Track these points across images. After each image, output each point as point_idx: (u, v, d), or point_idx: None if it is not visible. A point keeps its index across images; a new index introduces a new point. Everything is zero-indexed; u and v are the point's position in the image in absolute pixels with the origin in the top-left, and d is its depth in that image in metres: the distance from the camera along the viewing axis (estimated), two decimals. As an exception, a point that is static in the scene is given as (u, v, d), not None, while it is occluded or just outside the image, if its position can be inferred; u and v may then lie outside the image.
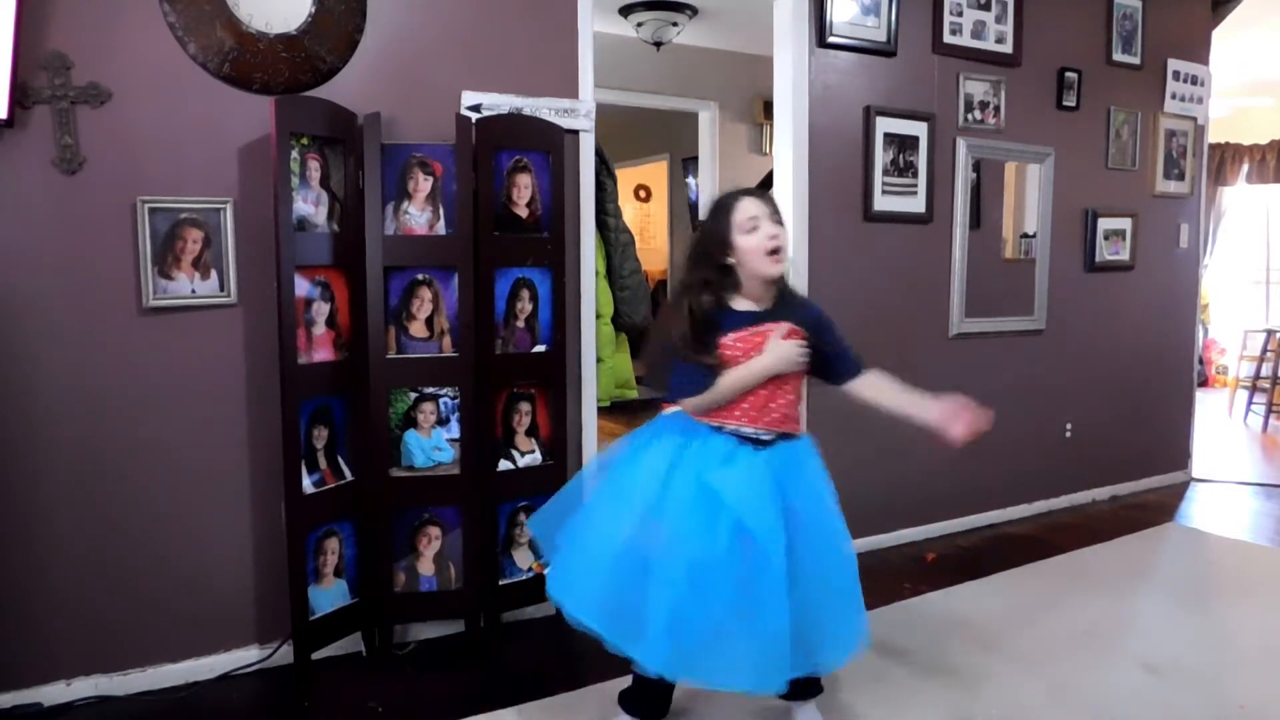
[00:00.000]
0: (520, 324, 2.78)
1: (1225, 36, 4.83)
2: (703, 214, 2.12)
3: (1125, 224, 4.36)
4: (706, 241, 2.00)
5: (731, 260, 1.97)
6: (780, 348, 1.95)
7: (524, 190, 2.74)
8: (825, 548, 1.98)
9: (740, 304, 2.00)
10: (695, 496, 1.89)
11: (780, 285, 2.02)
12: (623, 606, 1.88)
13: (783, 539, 1.86)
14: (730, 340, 1.96)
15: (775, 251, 1.94)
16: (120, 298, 2.38)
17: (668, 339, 2.01)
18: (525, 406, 2.82)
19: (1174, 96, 4.48)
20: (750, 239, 1.94)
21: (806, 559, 1.90)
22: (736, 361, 1.95)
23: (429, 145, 2.62)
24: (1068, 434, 4.25)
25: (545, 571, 2.14)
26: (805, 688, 2.13)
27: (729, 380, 1.95)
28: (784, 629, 1.83)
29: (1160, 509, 4.25)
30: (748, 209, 1.95)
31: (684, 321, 1.97)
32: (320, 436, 2.58)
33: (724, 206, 1.99)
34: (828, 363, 2.04)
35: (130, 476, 2.42)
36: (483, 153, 2.63)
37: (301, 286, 2.47)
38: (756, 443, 1.97)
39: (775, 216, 1.97)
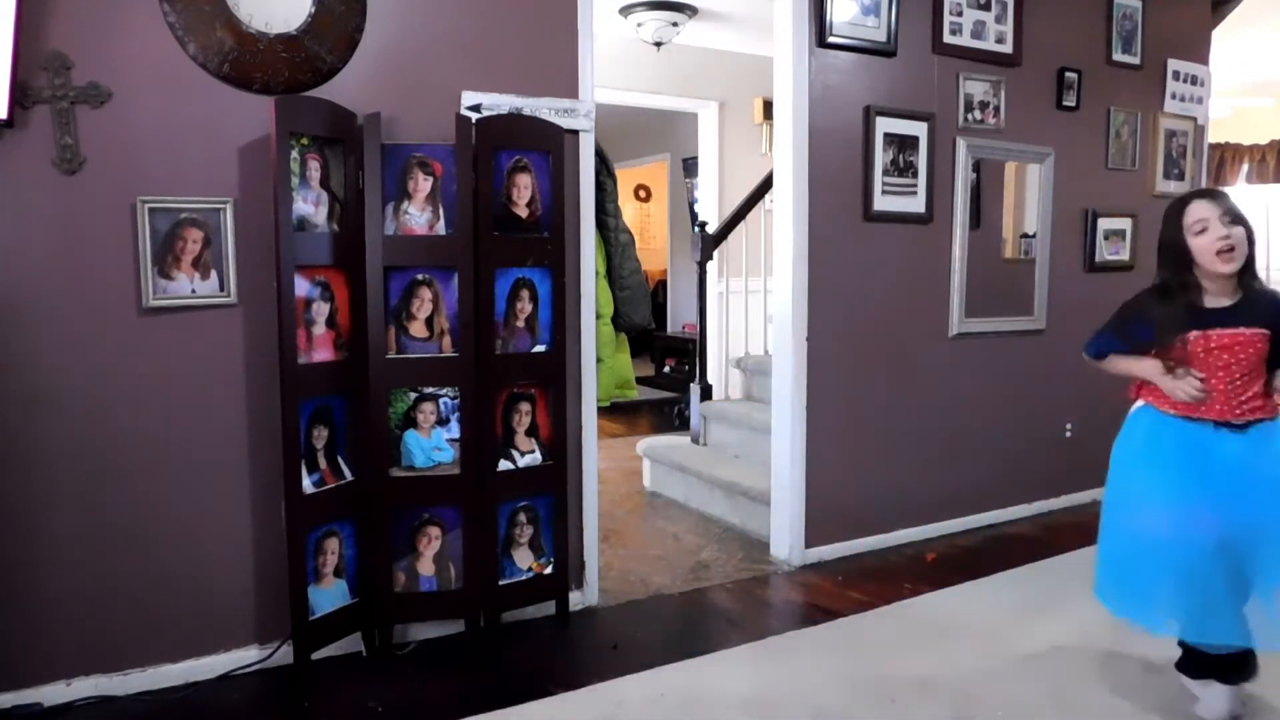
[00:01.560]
0: (520, 324, 2.78)
1: (1225, 36, 4.83)
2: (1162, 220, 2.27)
3: (1125, 224, 4.36)
4: (1166, 248, 2.19)
5: (1191, 261, 2.13)
6: (1181, 386, 2.13)
7: (524, 190, 2.74)
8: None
9: (1208, 301, 2.14)
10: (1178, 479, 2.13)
11: (1245, 279, 2.13)
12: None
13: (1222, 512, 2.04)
14: (1195, 337, 2.11)
15: (1227, 251, 2.07)
16: (120, 298, 2.38)
17: (1140, 306, 2.26)
18: (525, 406, 2.82)
19: (1174, 96, 4.48)
20: (1200, 240, 2.09)
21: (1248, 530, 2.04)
22: (1195, 358, 2.12)
23: (429, 145, 2.62)
24: (1068, 434, 4.25)
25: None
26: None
27: (1123, 364, 2.29)
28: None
29: (1160, 509, 4.25)
30: (1195, 212, 2.11)
31: (1164, 308, 2.18)
32: (320, 436, 2.58)
33: (1175, 212, 2.17)
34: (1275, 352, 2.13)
35: (130, 476, 2.42)
36: (483, 153, 2.63)
37: (301, 286, 2.47)
38: (1230, 427, 2.12)
39: (1226, 217, 2.09)
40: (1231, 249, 2.07)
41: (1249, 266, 2.13)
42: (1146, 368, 2.22)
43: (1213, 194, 2.16)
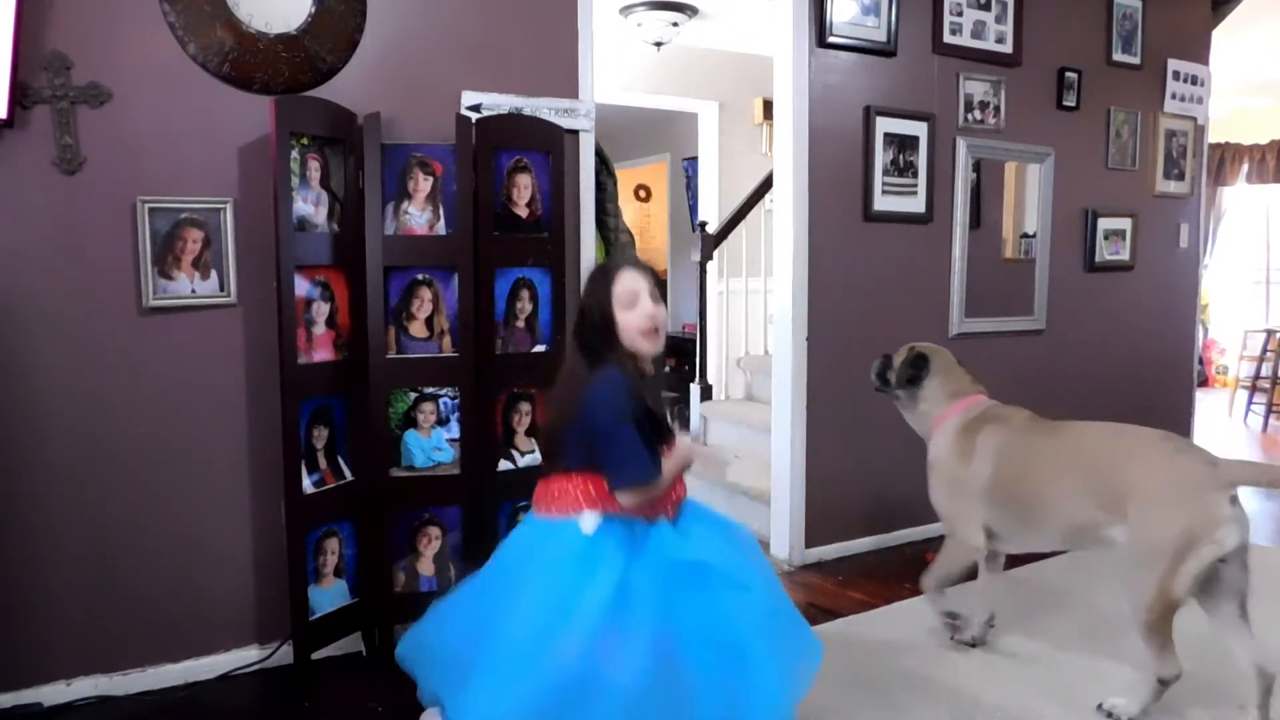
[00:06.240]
0: (520, 324, 2.78)
1: (1225, 36, 4.83)
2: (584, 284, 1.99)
3: (1125, 224, 4.36)
4: (592, 316, 1.84)
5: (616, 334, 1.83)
6: (687, 448, 1.86)
7: (524, 190, 2.73)
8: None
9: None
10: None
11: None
12: None
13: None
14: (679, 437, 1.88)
15: (652, 330, 1.83)
16: (120, 298, 2.38)
17: (621, 411, 1.77)
18: (525, 406, 2.82)
19: (1174, 96, 4.48)
20: (629, 315, 1.82)
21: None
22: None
23: (429, 145, 2.62)
24: (1068, 434, 4.25)
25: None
26: None
27: (669, 470, 1.84)
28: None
29: (1160, 509, 4.24)
30: (626, 282, 1.83)
31: (637, 396, 1.82)
32: (320, 436, 2.58)
33: (602, 279, 1.86)
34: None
35: (130, 477, 2.42)
36: (483, 153, 2.63)
37: (301, 286, 2.47)
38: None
39: (656, 293, 1.85)
40: (656, 330, 1.83)
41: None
42: (683, 460, 1.88)
43: (641, 265, 1.89)
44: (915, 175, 3.64)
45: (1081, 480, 2.35)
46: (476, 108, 2.74)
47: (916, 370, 2.72)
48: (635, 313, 1.81)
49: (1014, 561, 3.43)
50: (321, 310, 2.55)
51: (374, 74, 2.62)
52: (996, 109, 3.84)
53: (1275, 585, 3.23)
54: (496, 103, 2.78)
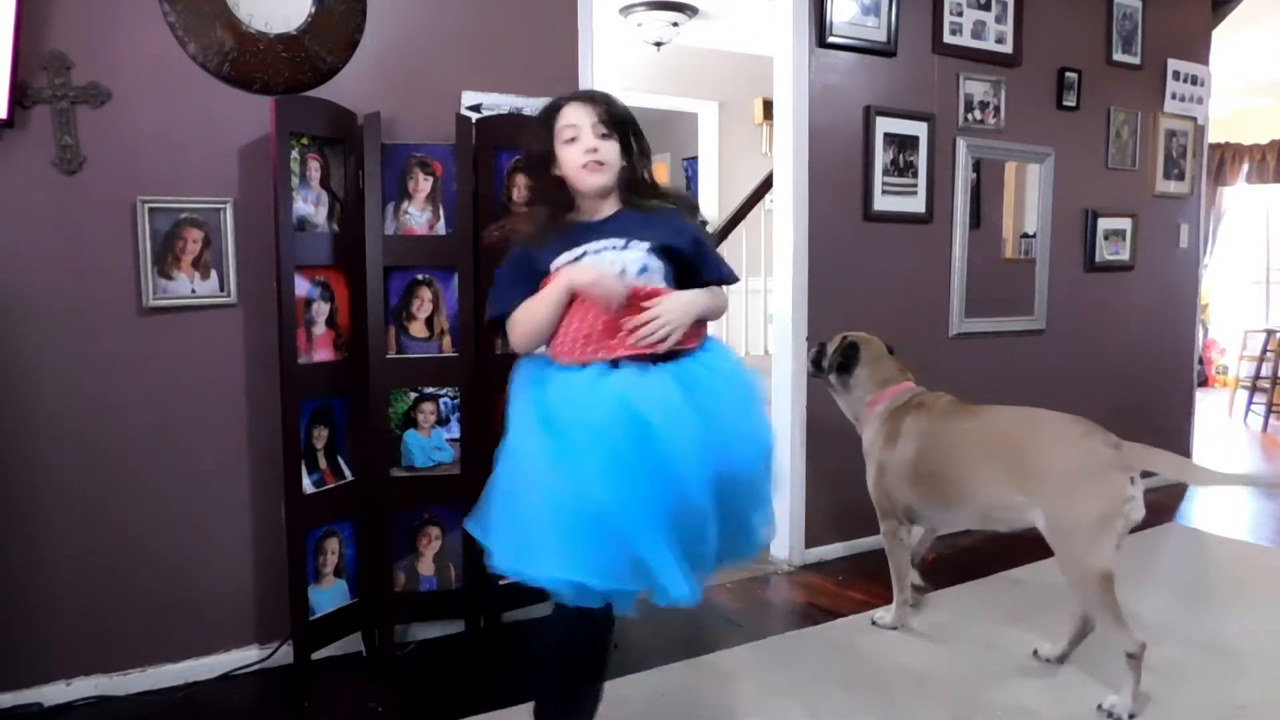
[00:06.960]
0: (520, 324, 2.77)
1: (1225, 36, 4.83)
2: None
3: (1125, 224, 4.36)
4: (536, 159, 1.82)
5: (558, 173, 1.79)
6: (579, 270, 1.72)
7: (524, 190, 2.73)
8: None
9: (576, 218, 1.83)
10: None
11: (631, 191, 1.82)
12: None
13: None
14: (556, 263, 1.76)
15: (596, 165, 1.76)
16: (120, 298, 2.38)
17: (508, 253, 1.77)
18: (525, 406, 2.82)
19: (1174, 96, 4.48)
20: (569, 150, 1.76)
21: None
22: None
23: (429, 145, 2.62)
24: (1068, 434, 4.25)
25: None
26: None
27: (533, 305, 1.74)
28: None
29: (1160, 509, 4.24)
30: (567, 117, 1.77)
31: (530, 234, 1.79)
32: (320, 436, 2.58)
33: (547, 115, 1.80)
34: (691, 275, 1.89)
35: (130, 477, 2.42)
36: (483, 153, 2.63)
37: (301, 286, 2.47)
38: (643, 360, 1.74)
39: (601, 127, 1.77)
40: (600, 164, 1.75)
41: (640, 185, 1.83)
42: (560, 285, 1.73)
43: (591, 97, 1.82)
44: (915, 175, 3.64)
45: (998, 462, 2.47)
46: (476, 108, 2.74)
47: (847, 358, 2.85)
48: (575, 148, 1.76)
49: (1012, 561, 3.44)
50: (321, 310, 2.55)
51: (374, 74, 2.62)
52: (996, 109, 3.84)
53: (1275, 585, 3.24)
54: (496, 103, 2.78)
